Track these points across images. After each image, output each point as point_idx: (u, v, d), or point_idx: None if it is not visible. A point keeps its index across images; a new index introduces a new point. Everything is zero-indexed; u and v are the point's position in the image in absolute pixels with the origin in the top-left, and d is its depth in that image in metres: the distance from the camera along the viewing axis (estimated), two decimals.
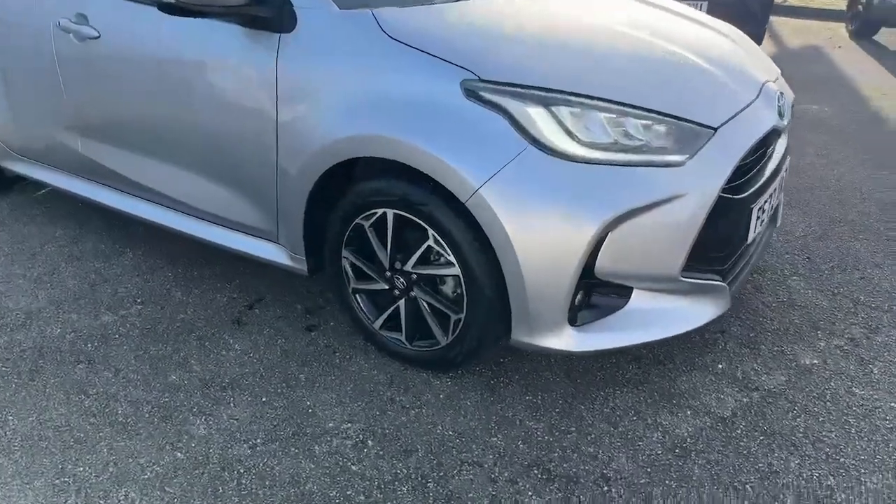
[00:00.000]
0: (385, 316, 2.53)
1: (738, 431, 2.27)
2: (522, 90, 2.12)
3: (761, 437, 2.25)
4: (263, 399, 2.42)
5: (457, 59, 2.20)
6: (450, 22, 2.44)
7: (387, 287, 2.48)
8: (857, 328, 2.79)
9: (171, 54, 2.64)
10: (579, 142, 2.08)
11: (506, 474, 2.12)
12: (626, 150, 2.10)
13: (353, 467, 2.15)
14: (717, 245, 2.33)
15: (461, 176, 2.10)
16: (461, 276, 2.27)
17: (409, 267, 2.39)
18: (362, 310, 2.60)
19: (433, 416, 2.34)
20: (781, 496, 2.04)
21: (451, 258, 2.26)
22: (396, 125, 2.20)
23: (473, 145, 2.12)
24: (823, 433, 2.26)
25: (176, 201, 2.90)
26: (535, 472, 2.13)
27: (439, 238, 2.26)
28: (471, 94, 2.13)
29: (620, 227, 2.07)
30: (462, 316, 2.33)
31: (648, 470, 2.14)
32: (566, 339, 2.21)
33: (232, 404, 2.40)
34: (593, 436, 2.26)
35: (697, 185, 2.14)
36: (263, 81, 2.42)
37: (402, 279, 2.43)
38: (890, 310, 2.91)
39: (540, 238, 2.08)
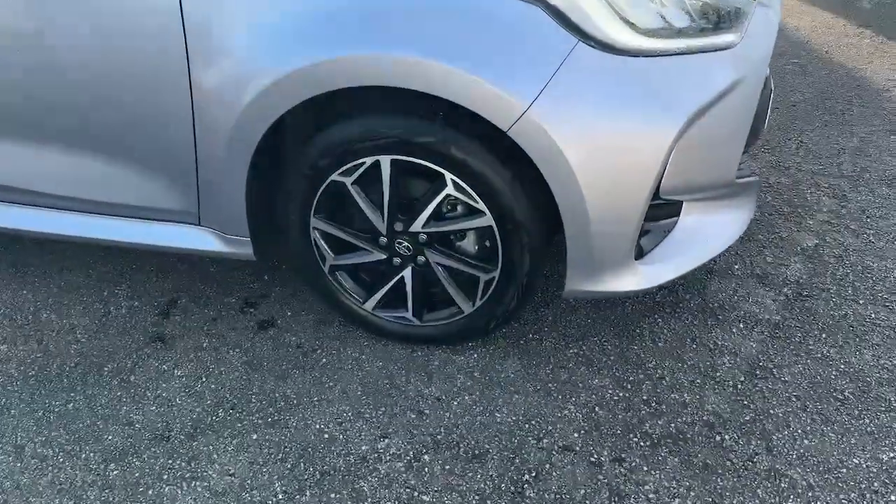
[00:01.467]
0: (382, 293, 1.98)
1: (799, 334, 2.08)
2: None
3: (823, 335, 2.07)
4: (254, 437, 1.81)
5: None
6: None
7: (384, 256, 1.92)
8: (828, 199, 2.72)
9: None
10: (635, 29, 1.64)
11: (605, 452, 1.75)
12: (683, 34, 1.70)
13: (425, 497, 1.66)
14: (752, 134, 2.05)
15: (503, 97, 1.59)
16: (494, 225, 1.78)
17: (417, 227, 1.84)
18: (345, 291, 2.02)
19: (481, 401, 1.89)
20: (882, 395, 1.88)
21: (480, 205, 1.76)
22: (400, 39, 1.61)
23: (509, 54, 1.60)
24: (872, 316, 2.14)
25: (37, 194, 2.04)
26: (635, 439, 1.78)
27: (462, 183, 1.74)
28: None
29: (689, 130, 1.70)
30: (496, 274, 1.86)
31: (744, 402, 1.87)
32: (636, 278, 1.83)
33: (214, 457, 1.76)
34: (667, 379, 1.95)
35: (751, 67, 1.81)
36: None
37: (406, 243, 1.88)
38: (842, 174, 2.87)
39: (606, 160, 1.65)
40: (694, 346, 2.05)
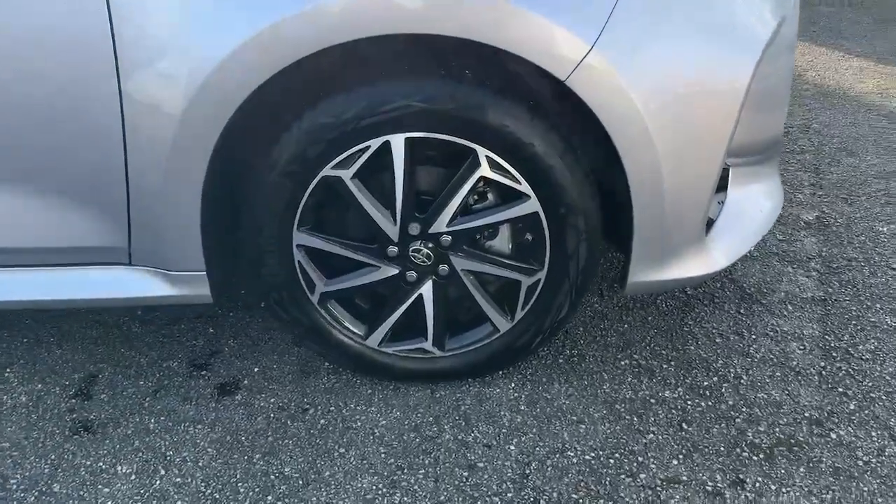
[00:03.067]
0: (391, 321, 1.53)
1: (854, 307, 1.84)
2: None
3: (877, 305, 1.85)
4: None
5: None
6: None
7: (396, 271, 1.48)
8: (803, 174, 2.57)
9: None
10: None
11: (718, 477, 1.39)
12: None
13: None
14: None
15: (559, 36, 1.23)
16: (541, 211, 1.40)
17: (440, 226, 1.42)
18: (340, 326, 1.55)
19: (544, 440, 1.47)
20: None
21: (524, 186, 1.38)
22: None
23: None
24: None
25: None
26: (744, 454, 1.44)
27: (499, 160, 1.35)
28: None
29: (758, 70, 1.41)
30: (542, 276, 1.47)
31: (839, 390, 1.59)
32: (706, 260, 1.51)
33: None
34: (745, 378, 1.63)
35: (789, 5, 1.57)
36: None
37: (425, 250, 1.46)
38: (804, 150, 2.75)
39: (679, 109, 1.32)
40: (753, 336, 1.75)
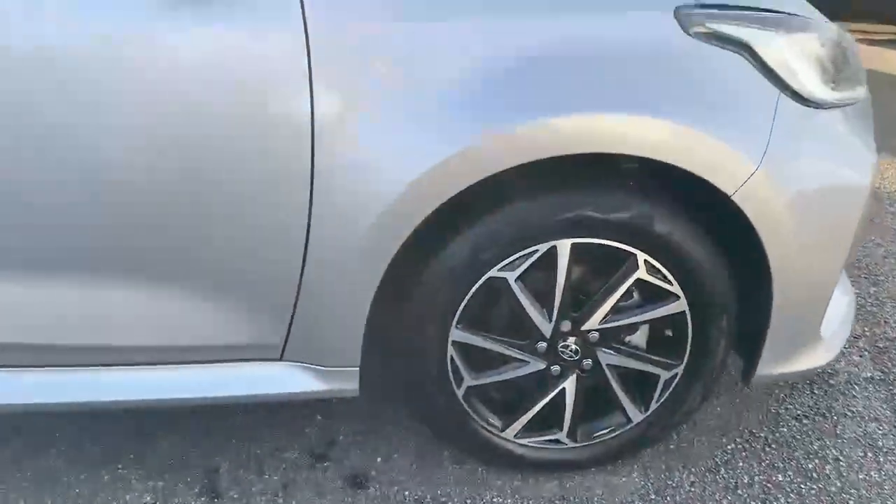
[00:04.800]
0: (531, 413, 1.57)
1: None
2: (760, 14, 1.41)
3: None
4: None
5: None
6: None
7: (542, 366, 1.53)
8: None
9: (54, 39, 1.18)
10: (825, 80, 1.49)
11: None
12: (847, 82, 1.57)
13: None
14: None
15: (732, 156, 1.34)
16: (687, 311, 1.49)
17: (592, 323, 1.49)
18: (480, 418, 1.58)
19: None
20: None
21: (675, 288, 1.47)
22: (602, 97, 1.30)
23: (728, 108, 1.37)
24: None
25: (53, 348, 1.36)
26: None
27: (656, 264, 1.44)
28: (692, 25, 1.35)
29: None
30: (679, 370, 1.56)
31: None
32: (823, 350, 1.63)
33: None
34: (842, 460, 1.74)
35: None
36: (277, 49, 1.22)
37: (573, 346, 1.51)
38: None
39: (817, 216, 1.45)
40: (835, 417, 1.88)
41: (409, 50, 1.26)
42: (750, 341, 1.57)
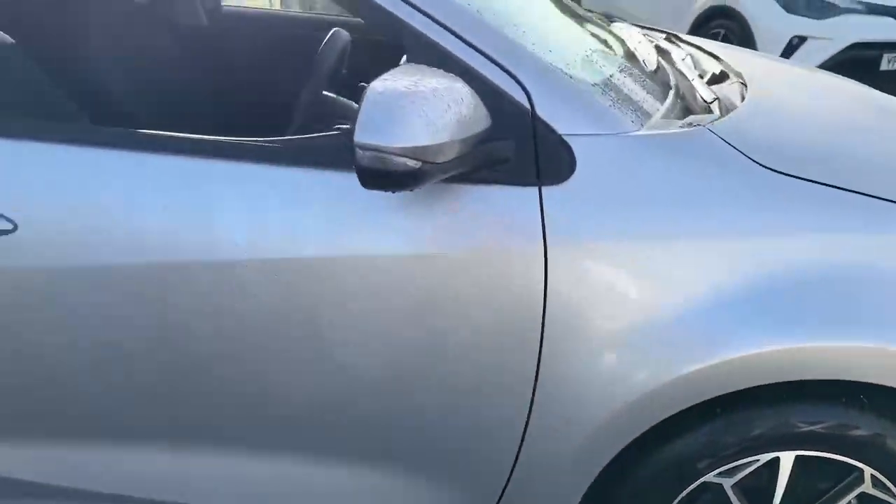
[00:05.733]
0: None
1: None
2: None
3: None
4: None
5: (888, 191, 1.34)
6: (835, 126, 1.57)
7: None
8: None
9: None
10: None
11: None
12: None
13: None
14: None
15: None
16: None
17: None
18: None
19: None
20: None
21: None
22: (842, 323, 1.27)
23: None
24: None
25: None
26: None
27: (881, 477, 1.39)
28: None
29: None
30: None
31: None
32: None
33: None
34: None
35: None
36: (517, 281, 1.26)
37: None
38: None
39: None
40: None
41: (640, 268, 1.27)
42: None
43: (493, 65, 1.25)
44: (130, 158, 1.31)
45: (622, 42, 1.86)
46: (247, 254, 1.27)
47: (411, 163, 1.05)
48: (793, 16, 5.31)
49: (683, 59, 1.88)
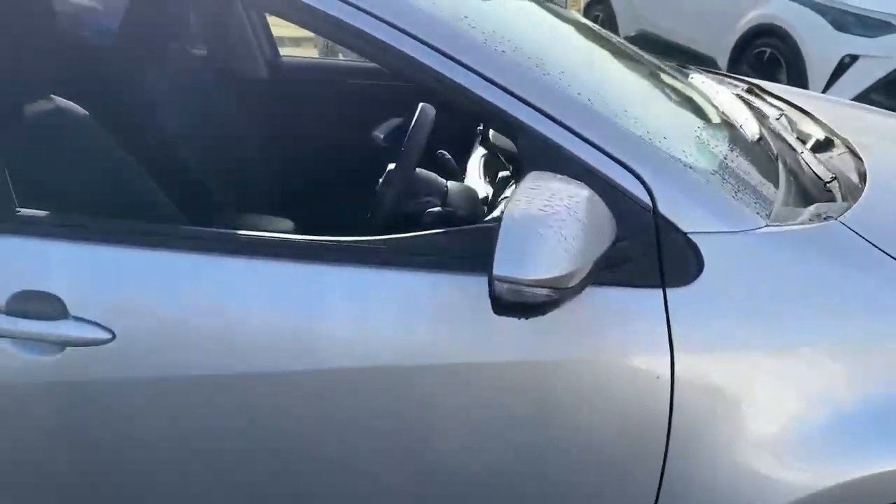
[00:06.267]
0: None
1: None
2: None
3: None
4: None
5: None
6: None
7: None
8: None
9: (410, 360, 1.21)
10: None
11: None
12: None
13: None
14: None
15: None
16: None
17: None
18: None
19: None
20: None
21: None
22: None
23: None
24: None
25: None
26: None
27: None
28: None
29: None
30: None
31: None
32: None
33: None
34: None
35: None
36: (641, 387, 1.18)
37: None
38: None
39: None
40: None
41: (776, 379, 1.19)
42: None
43: (613, 162, 1.18)
44: (228, 264, 1.26)
45: (712, 104, 1.78)
46: (357, 361, 1.22)
47: (549, 292, 0.99)
48: (844, 34, 5.16)
49: (778, 119, 1.80)
